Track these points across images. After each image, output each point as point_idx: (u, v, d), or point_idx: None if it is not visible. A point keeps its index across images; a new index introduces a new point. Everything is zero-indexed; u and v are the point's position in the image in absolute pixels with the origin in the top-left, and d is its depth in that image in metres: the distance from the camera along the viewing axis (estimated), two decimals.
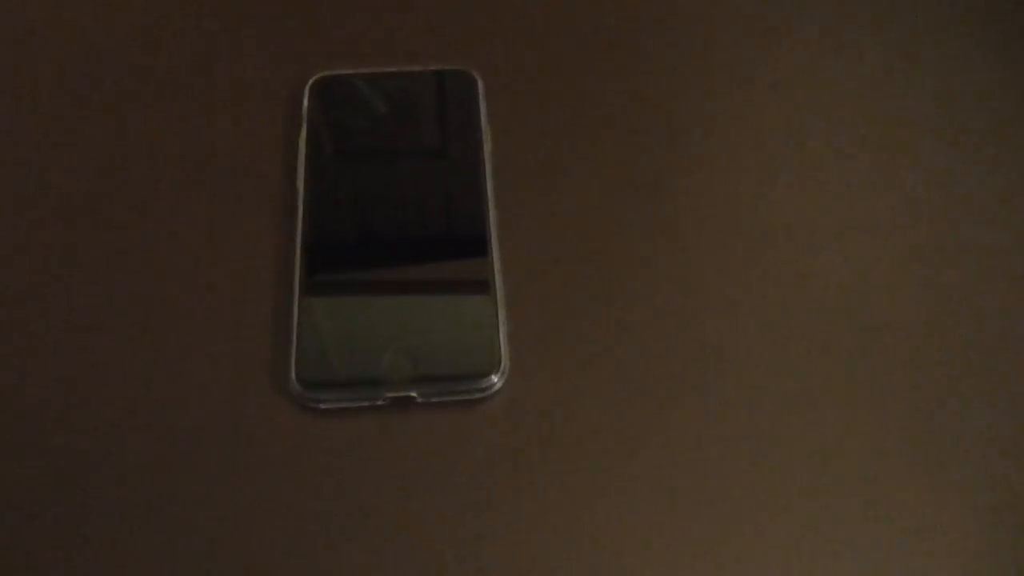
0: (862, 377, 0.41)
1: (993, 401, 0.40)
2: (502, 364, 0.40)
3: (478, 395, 0.40)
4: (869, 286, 0.43)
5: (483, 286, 0.42)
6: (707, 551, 0.37)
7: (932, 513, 0.38)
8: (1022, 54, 0.50)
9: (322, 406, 0.40)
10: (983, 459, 0.39)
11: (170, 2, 0.52)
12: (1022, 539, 0.37)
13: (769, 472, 0.39)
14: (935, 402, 0.40)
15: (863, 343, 0.42)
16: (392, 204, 0.44)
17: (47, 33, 0.51)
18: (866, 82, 0.49)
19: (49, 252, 0.44)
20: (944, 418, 0.40)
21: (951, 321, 0.42)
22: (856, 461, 0.39)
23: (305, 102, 0.47)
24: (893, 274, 0.43)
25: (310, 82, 0.48)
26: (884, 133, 0.48)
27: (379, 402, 0.40)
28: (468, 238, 0.43)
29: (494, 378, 0.40)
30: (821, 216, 0.45)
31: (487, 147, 0.46)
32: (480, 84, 0.48)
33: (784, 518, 0.38)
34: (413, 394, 0.39)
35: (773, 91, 0.49)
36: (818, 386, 0.41)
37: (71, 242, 0.44)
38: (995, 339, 0.42)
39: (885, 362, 0.41)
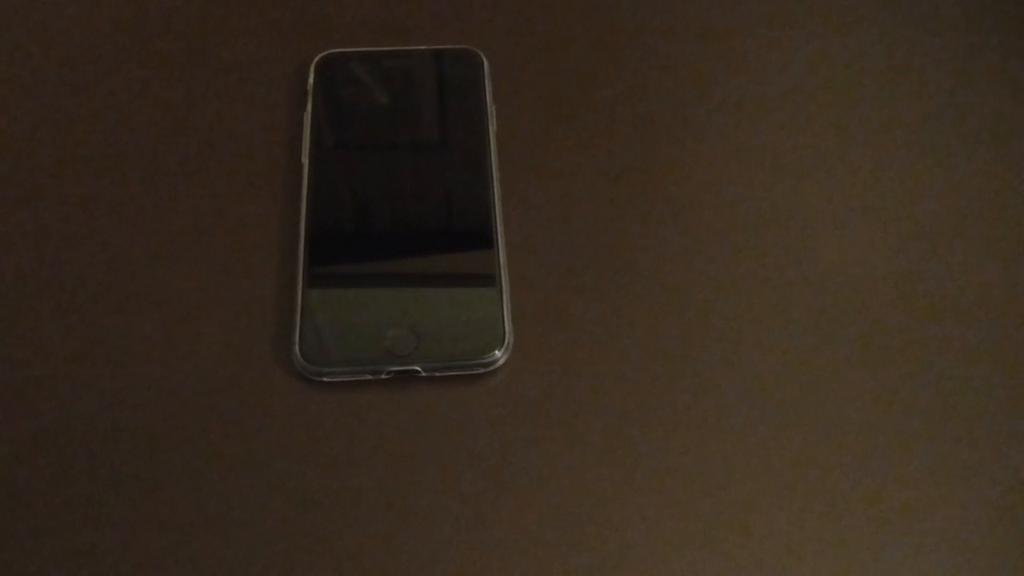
0: (863, 367, 0.41)
1: (994, 391, 0.40)
2: (506, 340, 0.40)
3: (481, 370, 0.40)
4: (869, 276, 0.43)
5: (488, 265, 0.42)
6: (706, 527, 0.37)
7: (933, 505, 0.38)
8: (1021, 45, 0.50)
9: (326, 379, 0.40)
10: (985, 450, 0.39)
11: None
12: None
13: (767, 450, 0.39)
14: (936, 393, 0.40)
15: (863, 333, 0.42)
16: (398, 182, 0.44)
17: (49, 11, 0.51)
18: (866, 73, 0.49)
19: (55, 233, 0.44)
20: (945, 408, 0.40)
21: (952, 311, 0.42)
22: (856, 451, 0.39)
23: (311, 79, 0.47)
24: (893, 264, 0.43)
25: (316, 59, 0.48)
26: (884, 123, 0.48)
27: (383, 376, 0.40)
28: (474, 218, 0.43)
29: (498, 353, 0.40)
30: (822, 206, 0.45)
31: (492, 127, 0.46)
32: (486, 63, 0.48)
33: (782, 497, 0.38)
34: (417, 368, 0.39)
35: (777, 81, 0.49)
36: (817, 371, 0.41)
37: (78, 223, 0.44)
38: (996, 329, 0.42)
39: (886, 352, 0.41)
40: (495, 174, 0.45)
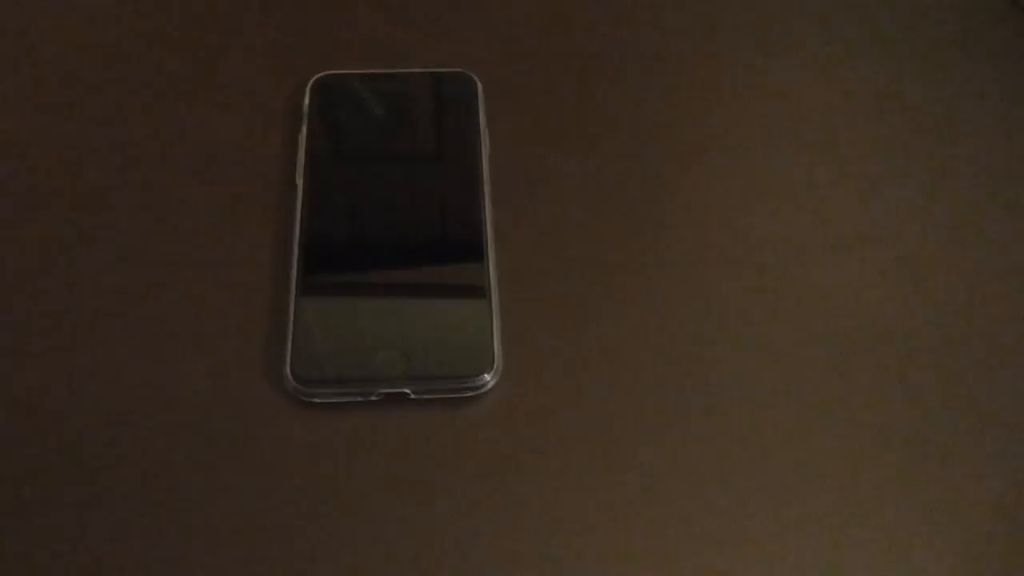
0: (857, 388, 0.41)
1: (990, 410, 0.41)
2: (495, 363, 0.41)
3: (471, 393, 0.40)
4: (865, 298, 0.44)
5: (479, 287, 0.42)
6: (696, 553, 0.38)
7: (932, 523, 0.38)
8: (1018, 68, 0.51)
9: (316, 400, 0.40)
10: (982, 468, 0.40)
11: (172, 1, 0.52)
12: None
13: (760, 477, 0.39)
14: (932, 413, 0.41)
15: (859, 355, 0.42)
16: (390, 204, 0.45)
17: (49, 30, 0.51)
18: (862, 97, 0.50)
19: (48, 248, 0.44)
20: (941, 428, 0.40)
21: (947, 333, 0.43)
22: (850, 472, 0.39)
23: (306, 100, 0.48)
24: (889, 286, 0.44)
25: (311, 81, 0.48)
26: (881, 146, 0.48)
27: (373, 397, 0.40)
28: (465, 240, 0.44)
29: (487, 377, 0.40)
30: (817, 228, 0.45)
31: (485, 150, 0.47)
32: (480, 87, 0.49)
33: (777, 528, 0.38)
34: (407, 390, 0.40)
35: (771, 104, 0.49)
36: (810, 395, 0.41)
37: (70, 239, 0.44)
38: (991, 350, 0.42)
39: (881, 374, 0.42)
40: (487, 196, 0.45)
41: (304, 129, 0.47)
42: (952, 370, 0.42)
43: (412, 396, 0.40)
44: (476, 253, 0.43)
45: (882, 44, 0.52)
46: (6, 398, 0.40)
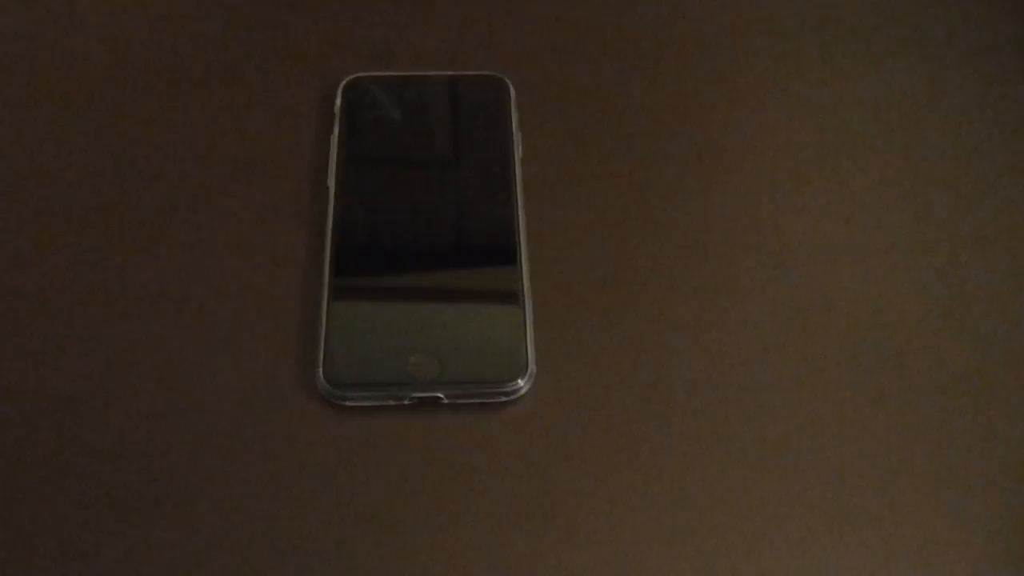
0: (885, 397, 0.41)
1: (1018, 423, 0.40)
2: (528, 368, 0.40)
3: (504, 398, 0.40)
4: (893, 308, 0.43)
5: (511, 291, 0.42)
6: (729, 558, 0.37)
7: (954, 534, 0.38)
8: None
9: (348, 404, 0.40)
10: (1008, 481, 0.39)
11: (205, 1, 0.52)
12: None
13: (791, 480, 0.39)
14: (959, 425, 0.40)
15: (887, 364, 0.42)
16: (422, 207, 0.45)
17: (79, 34, 0.51)
18: (895, 104, 0.49)
19: (85, 251, 0.44)
20: (972, 439, 0.40)
21: (976, 345, 0.42)
22: (878, 481, 0.39)
23: (338, 102, 0.48)
24: (918, 296, 0.44)
25: (344, 82, 0.48)
26: (911, 155, 0.48)
27: (405, 402, 0.40)
28: (497, 243, 0.44)
29: (520, 382, 0.40)
30: (847, 235, 0.45)
31: (517, 153, 0.47)
32: (512, 90, 0.48)
33: (807, 530, 0.38)
34: (440, 395, 0.40)
35: (802, 110, 0.49)
36: (840, 400, 0.41)
37: (106, 241, 0.45)
38: (1021, 363, 0.42)
39: (909, 384, 0.41)
40: (520, 199, 0.45)
41: (336, 131, 0.47)
42: (985, 381, 0.41)
43: (445, 401, 0.40)
44: (509, 256, 0.43)
45: (921, 50, 0.51)
46: (42, 399, 0.40)
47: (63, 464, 0.39)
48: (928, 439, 0.40)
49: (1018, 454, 0.40)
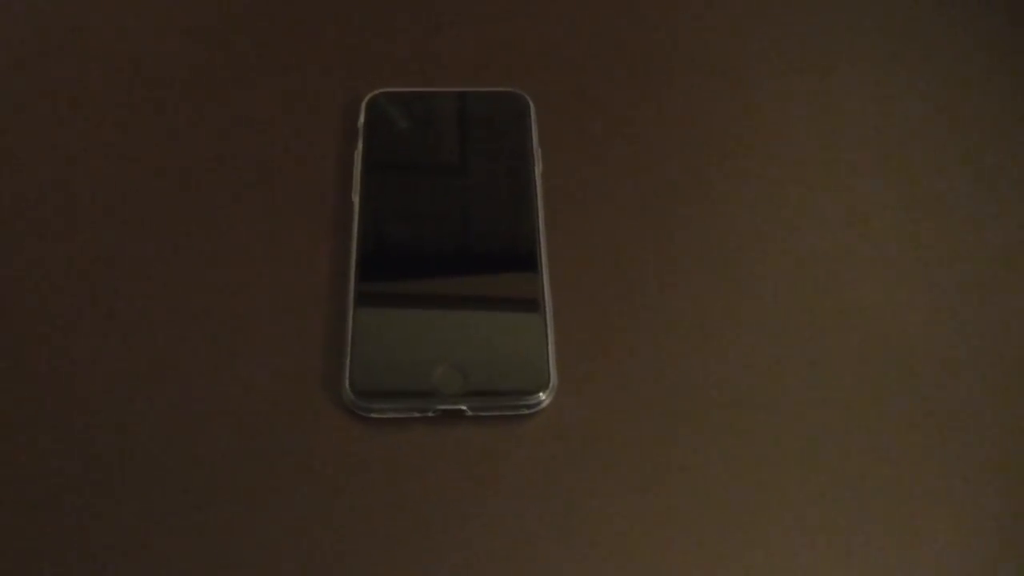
0: (897, 410, 0.42)
1: None
2: (550, 382, 0.41)
3: (526, 411, 0.41)
4: (906, 320, 0.44)
5: (533, 304, 0.43)
6: (752, 565, 0.38)
7: (965, 546, 0.39)
8: None
9: (374, 415, 0.41)
10: (1020, 487, 0.40)
11: (231, 16, 0.53)
12: None
13: (806, 496, 0.40)
14: (972, 438, 0.41)
15: (900, 376, 0.42)
16: (445, 220, 0.46)
17: (106, 46, 0.52)
18: (909, 116, 0.50)
19: (112, 261, 0.45)
20: (981, 448, 0.41)
21: (988, 357, 0.43)
22: (890, 492, 0.40)
23: (362, 117, 0.49)
24: (933, 306, 0.44)
25: (367, 98, 0.49)
26: (930, 164, 0.48)
27: (430, 413, 0.41)
28: (519, 256, 0.44)
29: (542, 395, 0.41)
30: (862, 248, 0.46)
31: (538, 168, 0.47)
32: (532, 106, 0.49)
33: (820, 542, 0.39)
34: (463, 407, 0.41)
35: (816, 123, 0.50)
36: (855, 413, 0.42)
37: (133, 253, 0.45)
38: None
39: (921, 396, 0.42)
40: (540, 214, 0.46)
41: (360, 145, 0.48)
42: (994, 392, 0.42)
43: (469, 413, 0.41)
44: (530, 269, 0.44)
45: (927, 63, 0.52)
46: (68, 406, 0.41)
47: (84, 471, 0.40)
48: (938, 444, 0.41)
49: None
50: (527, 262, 0.44)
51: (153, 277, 0.45)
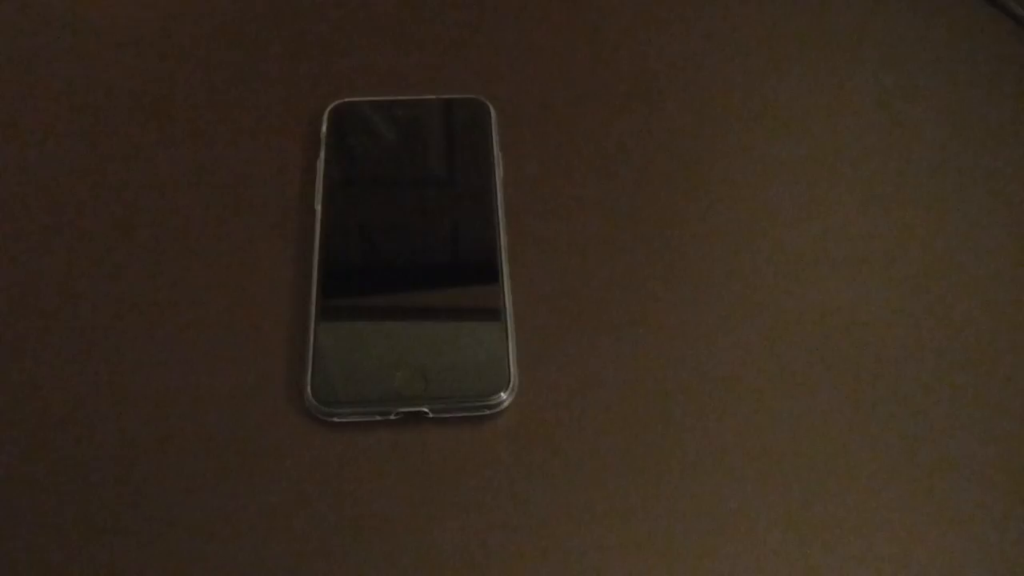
0: (866, 404, 0.42)
1: (995, 423, 0.41)
2: (511, 382, 0.41)
3: (487, 412, 0.41)
4: (872, 316, 0.44)
5: (494, 307, 0.43)
6: (714, 567, 0.38)
7: (937, 539, 0.39)
8: (1011, 93, 0.52)
9: (336, 419, 0.41)
10: (985, 478, 0.40)
11: (192, 29, 0.54)
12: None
13: (773, 493, 0.40)
14: (937, 428, 0.41)
15: (867, 371, 0.43)
16: (407, 228, 0.46)
17: (70, 59, 0.53)
18: (869, 119, 0.51)
19: (75, 272, 0.45)
20: (946, 443, 0.41)
21: (953, 349, 0.43)
22: (859, 484, 0.40)
23: (324, 127, 0.49)
24: (893, 303, 0.45)
25: (329, 108, 0.50)
26: (887, 168, 0.49)
27: (391, 416, 0.41)
28: (480, 262, 0.45)
29: (503, 395, 0.41)
30: (825, 247, 0.46)
31: (499, 174, 0.48)
32: (493, 113, 0.50)
33: (788, 539, 0.39)
34: (425, 409, 0.41)
35: (780, 128, 0.50)
36: (821, 410, 0.42)
37: (95, 263, 0.46)
38: (996, 365, 0.43)
39: (890, 389, 0.42)
40: (502, 219, 0.46)
41: (322, 155, 0.48)
42: (957, 385, 0.42)
43: (430, 415, 0.41)
44: (491, 275, 0.44)
45: (890, 61, 0.53)
46: (30, 414, 0.41)
47: (49, 477, 0.40)
48: (912, 441, 0.41)
49: (998, 451, 0.41)
50: (488, 267, 0.45)
51: (116, 287, 0.45)
